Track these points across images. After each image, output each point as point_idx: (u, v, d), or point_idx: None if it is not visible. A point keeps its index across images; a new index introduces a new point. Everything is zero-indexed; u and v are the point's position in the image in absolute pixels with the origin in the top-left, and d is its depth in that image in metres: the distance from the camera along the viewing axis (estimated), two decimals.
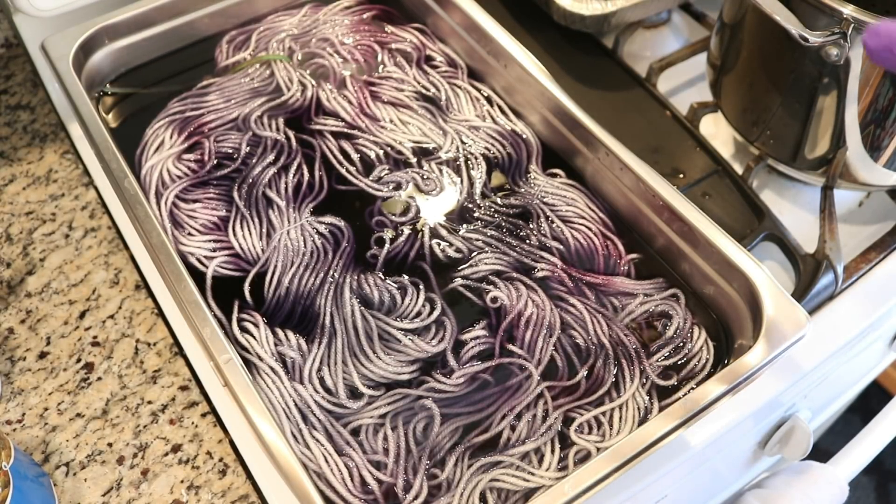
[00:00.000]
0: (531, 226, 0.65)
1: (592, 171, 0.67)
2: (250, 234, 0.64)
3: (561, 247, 0.64)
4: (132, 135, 0.70)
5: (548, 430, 0.54)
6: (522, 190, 0.68)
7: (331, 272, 0.62)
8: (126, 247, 0.70)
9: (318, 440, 0.53)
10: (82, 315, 0.67)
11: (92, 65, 0.73)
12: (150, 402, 0.62)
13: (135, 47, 0.76)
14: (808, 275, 0.68)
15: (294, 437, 0.53)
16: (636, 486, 0.60)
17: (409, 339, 0.58)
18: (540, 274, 0.62)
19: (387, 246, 0.64)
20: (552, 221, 0.65)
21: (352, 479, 0.52)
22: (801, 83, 0.66)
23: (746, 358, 0.52)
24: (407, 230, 0.65)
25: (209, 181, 0.67)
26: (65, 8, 0.78)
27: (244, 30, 0.80)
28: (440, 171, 0.69)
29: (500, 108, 0.74)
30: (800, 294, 0.68)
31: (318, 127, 0.72)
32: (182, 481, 0.58)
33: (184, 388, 0.63)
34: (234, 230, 0.64)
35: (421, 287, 0.61)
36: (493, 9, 0.85)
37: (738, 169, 0.76)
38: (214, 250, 0.63)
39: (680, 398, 0.54)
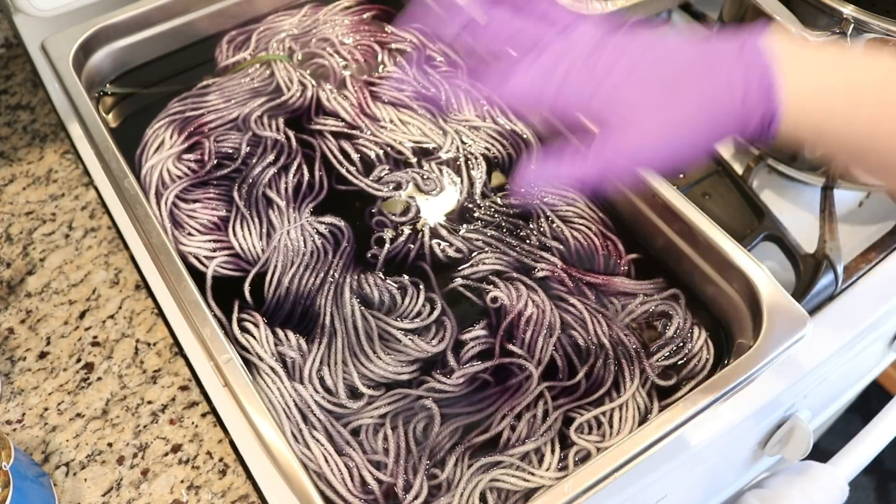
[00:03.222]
0: (531, 226, 0.65)
1: None
2: (250, 234, 0.64)
3: (561, 247, 0.64)
4: (132, 135, 0.70)
5: (548, 431, 0.54)
6: (522, 190, 0.68)
7: (331, 272, 0.62)
8: (126, 247, 0.70)
9: (318, 440, 0.53)
10: (82, 315, 0.67)
11: (92, 65, 0.73)
12: (150, 402, 0.62)
13: (135, 47, 0.76)
14: (808, 275, 0.68)
15: (294, 437, 0.53)
16: (636, 486, 0.60)
17: (410, 338, 0.58)
18: (540, 274, 0.62)
19: (387, 246, 0.64)
20: (552, 221, 0.65)
21: (352, 479, 0.52)
22: None
23: (746, 358, 0.52)
24: (407, 230, 0.65)
25: (209, 181, 0.67)
26: (65, 8, 0.78)
27: (244, 30, 0.80)
28: (440, 171, 0.69)
29: (500, 108, 0.74)
30: (800, 294, 0.67)
31: (318, 127, 0.72)
32: (182, 481, 0.58)
33: (184, 388, 0.63)
34: (234, 230, 0.64)
35: (421, 287, 0.61)
36: None
37: (738, 169, 0.76)
38: (214, 250, 0.63)
39: (680, 398, 0.54)
